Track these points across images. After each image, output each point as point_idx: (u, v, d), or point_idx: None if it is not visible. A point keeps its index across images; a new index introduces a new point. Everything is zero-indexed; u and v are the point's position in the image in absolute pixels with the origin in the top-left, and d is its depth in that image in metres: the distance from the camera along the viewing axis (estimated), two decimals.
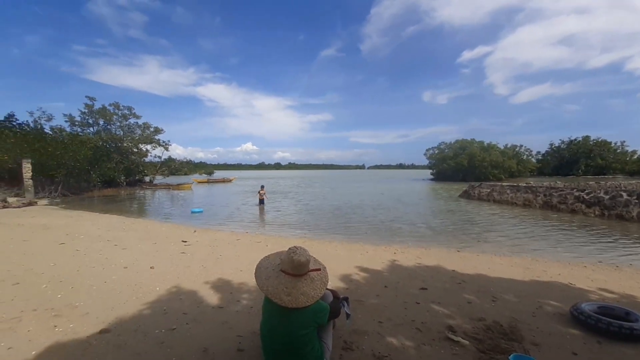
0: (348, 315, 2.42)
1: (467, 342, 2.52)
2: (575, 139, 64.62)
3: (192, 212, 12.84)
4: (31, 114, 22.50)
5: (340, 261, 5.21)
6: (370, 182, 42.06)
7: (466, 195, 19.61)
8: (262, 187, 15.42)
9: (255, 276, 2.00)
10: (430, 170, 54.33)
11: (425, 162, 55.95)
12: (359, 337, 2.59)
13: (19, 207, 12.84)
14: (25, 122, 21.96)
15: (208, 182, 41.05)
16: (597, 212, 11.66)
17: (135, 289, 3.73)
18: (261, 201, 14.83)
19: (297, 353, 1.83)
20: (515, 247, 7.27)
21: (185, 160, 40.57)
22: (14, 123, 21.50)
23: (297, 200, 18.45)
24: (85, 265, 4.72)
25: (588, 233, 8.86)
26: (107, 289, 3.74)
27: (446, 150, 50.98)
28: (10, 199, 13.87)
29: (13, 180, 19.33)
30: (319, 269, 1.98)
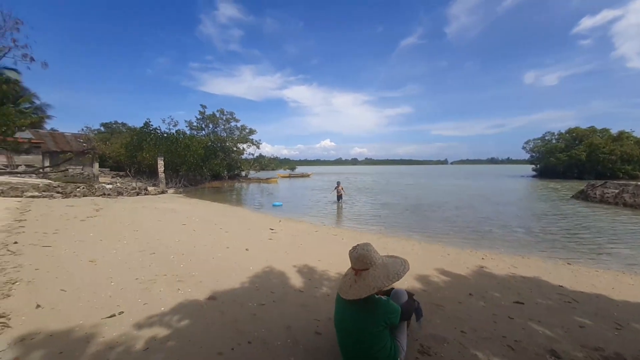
0: (418, 317, 2.38)
1: None
2: None
3: (273, 206, 14.09)
4: (163, 120, 28.67)
5: (418, 261, 4.99)
6: (455, 179, 38.15)
7: (583, 196, 15.83)
8: (339, 183, 15.11)
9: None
10: (532, 166, 45.86)
11: (525, 155, 47.60)
12: (436, 344, 2.48)
13: (155, 194, 16.51)
14: (158, 127, 27.98)
15: (290, 176, 44.68)
16: None
17: (234, 266, 4.42)
18: (339, 197, 14.60)
19: (368, 350, 1.87)
20: None
21: (272, 157, 45.18)
22: (151, 129, 27.61)
23: (374, 197, 18.24)
24: (199, 243, 5.81)
25: None
26: (214, 263, 4.54)
27: (554, 141, 42.02)
28: (150, 188, 17.94)
29: (151, 173, 24.99)
30: (367, 269, 1.94)
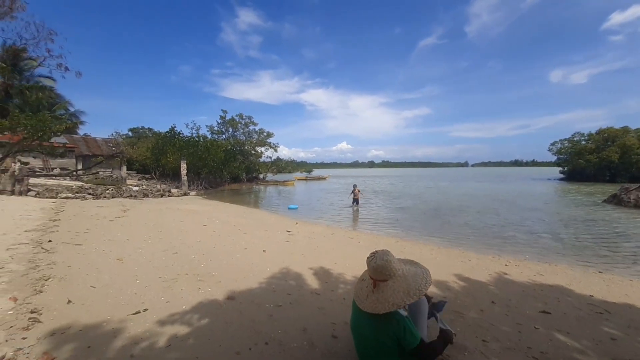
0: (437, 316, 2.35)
1: None
2: None
3: (289, 208, 14.09)
4: (187, 125, 29.80)
5: (437, 266, 4.86)
6: (476, 182, 36.88)
7: (616, 200, 14.84)
8: (355, 186, 14.73)
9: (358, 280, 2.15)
10: (560, 168, 43.60)
11: (551, 158, 45.34)
12: (457, 352, 2.40)
13: (178, 196, 17.12)
14: (181, 132, 29.12)
15: (306, 179, 45.04)
16: None
17: (252, 267, 4.50)
18: (355, 201, 14.22)
19: (385, 357, 1.84)
20: None
21: (290, 159, 45.82)
22: (175, 133, 28.71)
23: (391, 200, 17.99)
24: (219, 243, 5.96)
25: None
26: (232, 264, 4.64)
27: (584, 142, 39.76)
28: (173, 190, 18.63)
29: (175, 176, 25.98)
30: (386, 280, 1.83)
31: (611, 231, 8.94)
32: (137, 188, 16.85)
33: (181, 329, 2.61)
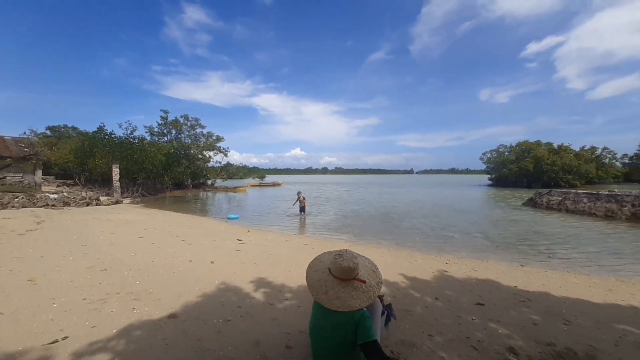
0: (387, 321, 2.41)
1: None
2: None
3: (229, 218, 12.79)
4: (120, 125, 26.63)
5: (386, 268, 5.08)
6: (420, 188, 40.08)
7: (532, 203, 17.50)
8: (299, 193, 13.86)
9: (307, 271, 2.14)
10: (488, 175, 49.97)
11: (482, 166, 51.98)
12: (406, 349, 2.51)
13: (108, 204, 15.17)
14: (113, 132, 25.93)
15: (260, 185, 43.74)
16: None
17: (198, 281, 4.15)
18: (302, 209, 13.38)
19: (340, 357, 1.85)
20: (594, 264, 6.29)
21: (241, 165, 44.05)
22: (105, 133, 25.51)
23: (343, 206, 18.46)
24: (158, 256, 5.39)
25: None
26: (175, 278, 4.22)
27: (507, 154, 46.38)
28: (102, 198, 16.46)
29: (105, 182, 23.00)
30: (364, 282, 1.91)
31: (529, 230, 10.40)
32: (55, 196, 14.49)
33: (110, 356, 2.26)
